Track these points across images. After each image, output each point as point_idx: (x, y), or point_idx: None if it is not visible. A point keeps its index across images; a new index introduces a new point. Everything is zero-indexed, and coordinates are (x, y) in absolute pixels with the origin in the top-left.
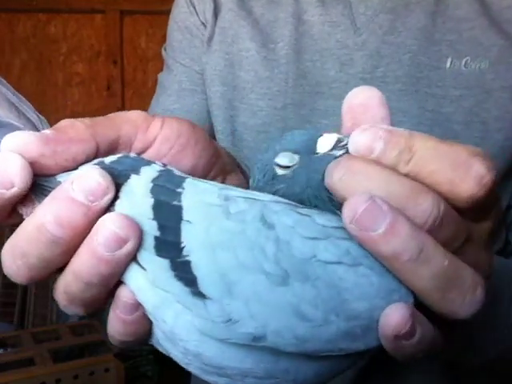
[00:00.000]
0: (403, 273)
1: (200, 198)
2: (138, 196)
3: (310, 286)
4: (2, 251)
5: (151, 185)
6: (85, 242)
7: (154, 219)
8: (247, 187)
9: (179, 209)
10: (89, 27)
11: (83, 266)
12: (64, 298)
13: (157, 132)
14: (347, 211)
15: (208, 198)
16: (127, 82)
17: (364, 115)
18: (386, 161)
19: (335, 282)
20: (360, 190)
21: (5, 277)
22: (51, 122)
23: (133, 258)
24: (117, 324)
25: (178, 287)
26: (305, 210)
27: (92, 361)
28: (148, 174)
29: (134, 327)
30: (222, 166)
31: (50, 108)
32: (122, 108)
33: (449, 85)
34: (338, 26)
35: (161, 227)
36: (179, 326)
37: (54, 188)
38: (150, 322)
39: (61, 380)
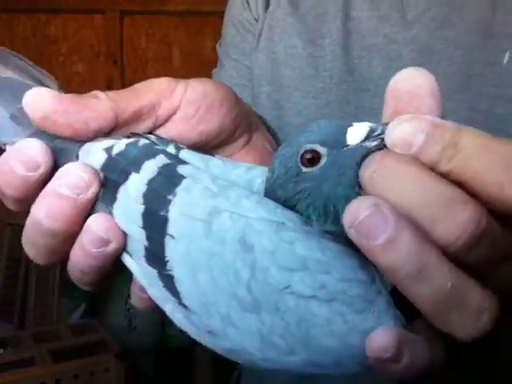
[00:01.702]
0: (401, 286)
1: (186, 211)
2: (131, 199)
3: (279, 318)
4: (23, 239)
5: (145, 188)
6: (78, 238)
7: (143, 228)
8: (274, 146)
9: (165, 221)
10: (89, 27)
11: (77, 258)
12: (73, 276)
13: (181, 96)
14: (348, 215)
15: (194, 210)
16: (127, 82)
17: (409, 104)
18: (426, 157)
19: (306, 317)
20: (390, 194)
21: (5, 277)
22: None
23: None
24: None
25: (168, 295)
26: (296, 231)
27: (92, 361)
28: (147, 172)
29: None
30: (248, 124)
31: None
32: None
33: (505, 83)
34: (386, 21)
35: (148, 238)
36: (176, 319)
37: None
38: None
39: (61, 380)
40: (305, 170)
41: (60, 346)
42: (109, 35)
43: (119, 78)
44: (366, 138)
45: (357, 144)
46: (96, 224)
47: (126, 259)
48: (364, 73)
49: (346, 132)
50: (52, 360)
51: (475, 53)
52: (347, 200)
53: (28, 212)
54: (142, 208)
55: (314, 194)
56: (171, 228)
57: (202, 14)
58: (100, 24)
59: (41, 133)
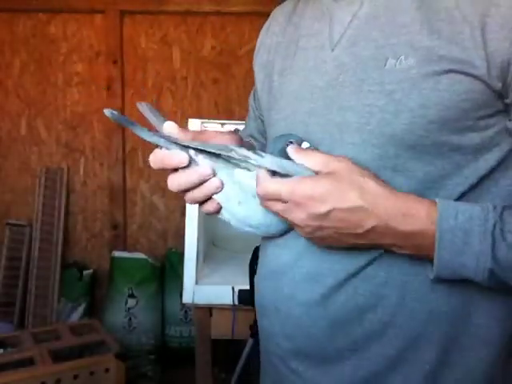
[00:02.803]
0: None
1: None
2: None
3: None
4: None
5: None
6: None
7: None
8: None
9: None
10: (89, 27)
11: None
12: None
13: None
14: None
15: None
16: (127, 82)
17: None
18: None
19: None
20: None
21: (5, 277)
22: (51, 122)
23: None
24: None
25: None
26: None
27: (92, 361)
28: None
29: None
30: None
31: (50, 108)
32: (122, 108)
33: (386, 81)
34: (320, 49)
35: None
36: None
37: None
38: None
39: (61, 380)
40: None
41: (60, 346)
42: (109, 35)
43: (119, 77)
44: (308, 147)
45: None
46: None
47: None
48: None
49: (302, 142)
50: (52, 360)
51: (369, 62)
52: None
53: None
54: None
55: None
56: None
57: (201, 14)
58: (100, 24)
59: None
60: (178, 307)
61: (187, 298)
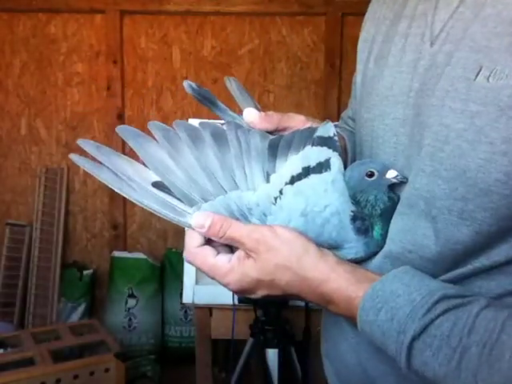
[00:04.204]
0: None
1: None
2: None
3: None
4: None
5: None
6: None
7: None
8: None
9: None
10: (89, 27)
11: None
12: None
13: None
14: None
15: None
16: (127, 82)
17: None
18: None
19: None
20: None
21: (5, 277)
22: (51, 122)
23: None
24: None
25: None
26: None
27: (92, 361)
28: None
29: None
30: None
31: (50, 108)
32: (122, 108)
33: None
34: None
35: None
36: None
37: None
38: None
39: (61, 380)
40: (366, 178)
41: (60, 346)
42: (109, 35)
43: (119, 77)
44: (394, 177)
45: (389, 178)
46: None
47: None
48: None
49: (387, 170)
50: (52, 360)
51: (458, 68)
52: (378, 199)
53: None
54: None
55: (368, 191)
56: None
57: (201, 14)
58: (100, 24)
59: None
60: (178, 307)
61: (187, 297)
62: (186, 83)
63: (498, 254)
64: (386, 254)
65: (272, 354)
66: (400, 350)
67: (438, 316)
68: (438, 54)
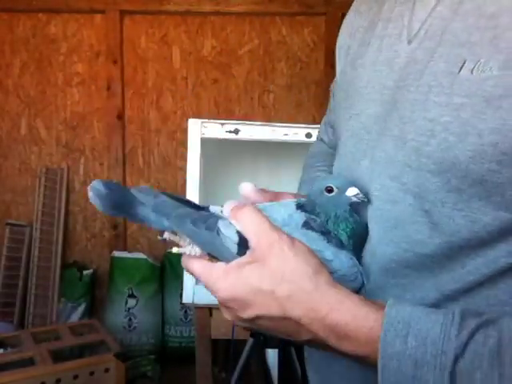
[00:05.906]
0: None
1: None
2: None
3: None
4: None
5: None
6: None
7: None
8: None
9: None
10: (89, 27)
11: None
12: None
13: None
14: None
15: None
16: (127, 82)
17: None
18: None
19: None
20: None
21: (5, 277)
22: (51, 122)
23: None
24: None
25: None
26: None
27: (92, 361)
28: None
29: None
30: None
31: (50, 108)
32: (122, 108)
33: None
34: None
35: None
36: None
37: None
38: None
39: (61, 380)
40: (325, 193)
41: (60, 346)
42: (109, 35)
43: (119, 77)
44: (354, 195)
45: (349, 196)
46: None
47: None
48: None
49: (347, 188)
50: (52, 360)
51: (441, 63)
52: (338, 216)
53: None
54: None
55: (326, 207)
56: None
57: (201, 14)
58: (100, 24)
59: None
60: (178, 307)
61: (187, 298)
62: (91, 187)
63: (497, 255)
64: (382, 261)
65: (272, 354)
66: (442, 374)
67: (474, 332)
68: (416, 51)
